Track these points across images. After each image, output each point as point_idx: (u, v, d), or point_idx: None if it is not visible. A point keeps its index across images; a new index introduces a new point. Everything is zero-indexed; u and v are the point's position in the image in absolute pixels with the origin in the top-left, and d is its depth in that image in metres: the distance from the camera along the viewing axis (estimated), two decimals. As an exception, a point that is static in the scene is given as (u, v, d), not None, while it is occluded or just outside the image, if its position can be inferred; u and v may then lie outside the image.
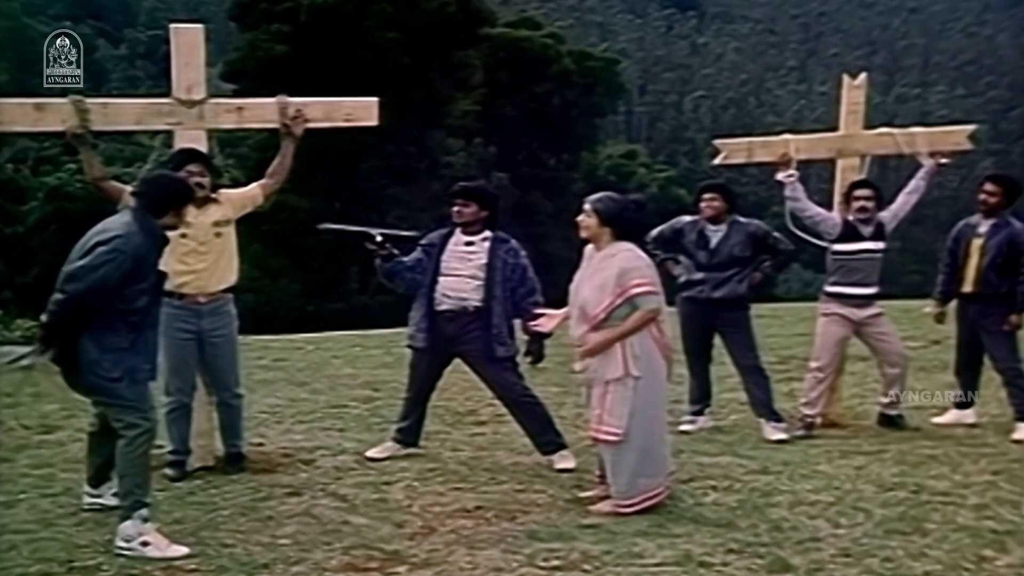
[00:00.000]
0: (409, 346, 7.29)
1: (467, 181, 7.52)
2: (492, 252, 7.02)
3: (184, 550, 5.30)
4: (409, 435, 7.37)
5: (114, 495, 5.97)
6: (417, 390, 7.36)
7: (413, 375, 7.35)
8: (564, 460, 6.99)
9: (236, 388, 7.02)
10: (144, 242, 5.39)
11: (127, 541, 5.31)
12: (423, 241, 7.18)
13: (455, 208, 7.10)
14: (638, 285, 5.85)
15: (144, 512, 5.39)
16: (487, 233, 7.08)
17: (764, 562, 5.13)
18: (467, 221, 7.07)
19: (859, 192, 8.02)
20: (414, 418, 7.38)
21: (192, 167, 6.68)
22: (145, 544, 5.30)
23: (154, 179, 5.89)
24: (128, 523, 5.34)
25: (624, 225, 6.02)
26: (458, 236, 7.08)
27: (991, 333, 8.16)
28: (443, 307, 6.99)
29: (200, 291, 6.74)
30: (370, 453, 7.29)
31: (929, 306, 8.74)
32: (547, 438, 7.10)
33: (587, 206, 6.07)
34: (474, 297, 6.95)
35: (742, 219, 8.17)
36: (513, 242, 7.17)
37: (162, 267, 6.71)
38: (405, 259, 7.11)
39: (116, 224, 5.44)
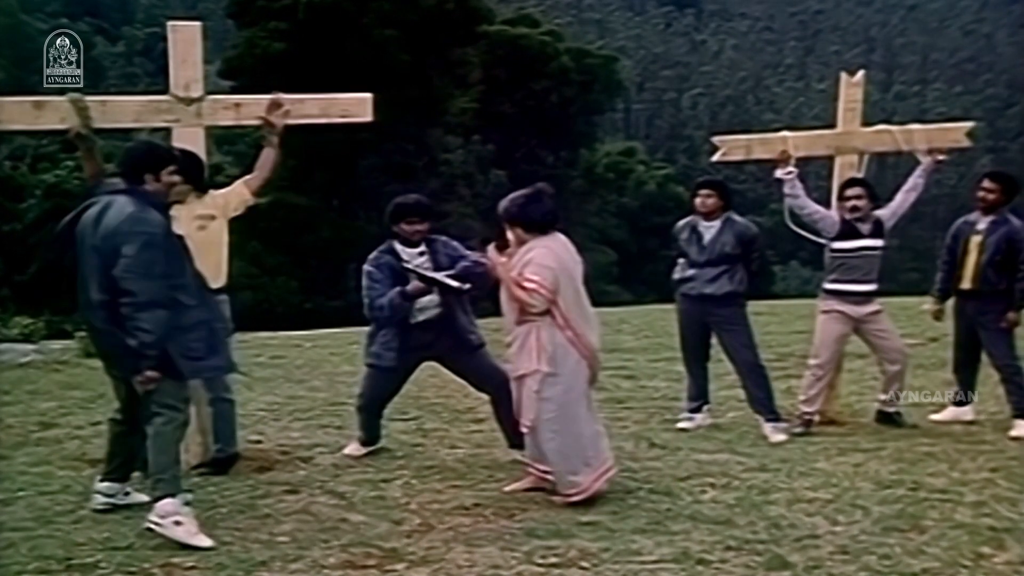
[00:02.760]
0: (373, 366, 7.17)
1: (410, 198, 7.35)
2: (435, 253, 7.05)
3: (209, 542, 5.34)
4: (374, 439, 7.45)
5: (126, 494, 5.97)
6: (378, 407, 7.38)
7: (373, 395, 7.31)
8: None
9: (226, 391, 6.90)
10: (159, 215, 5.48)
11: (162, 517, 5.35)
12: (376, 265, 7.03)
13: (416, 227, 7.01)
14: (528, 280, 5.95)
15: (188, 496, 5.50)
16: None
17: (762, 559, 5.13)
18: (426, 235, 7.08)
19: (850, 191, 8.02)
20: (374, 426, 7.44)
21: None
22: (178, 523, 5.34)
23: (125, 150, 5.89)
24: (170, 500, 5.38)
25: (524, 220, 6.13)
26: (404, 250, 7.01)
27: (989, 330, 8.16)
28: (420, 318, 6.97)
29: None
30: (348, 451, 7.32)
31: (927, 303, 8.74)
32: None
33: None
34: (438, 300, 6.96)
35: (736, 217, 8.18)
36: (443, 237, 7.22)
37: None
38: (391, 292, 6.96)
39: (120, 212, 5.42)
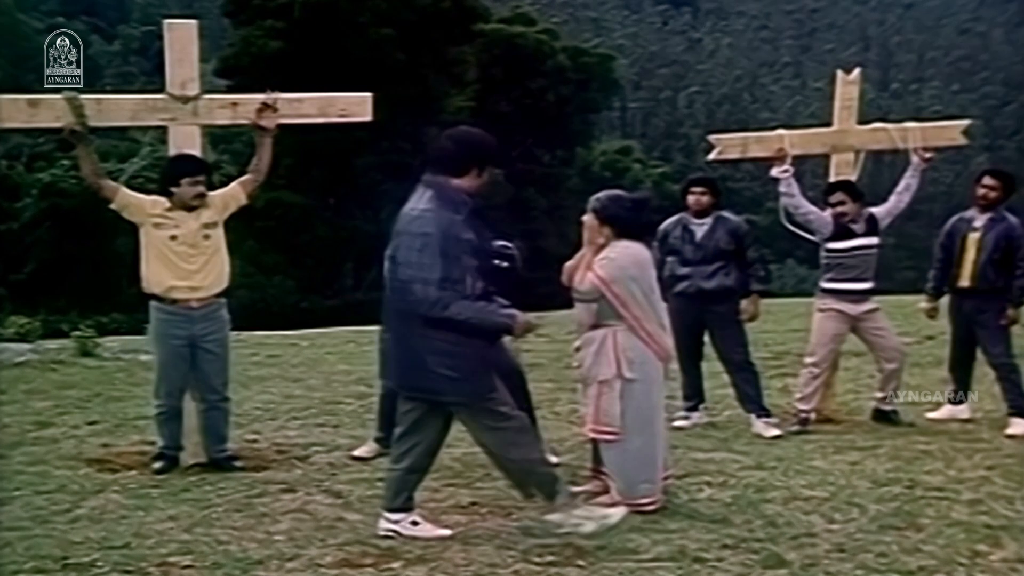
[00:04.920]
0: None
1: None
2: None
3: (447, 531, 5.44)
4: (391, 439, 7.37)
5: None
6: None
7: None
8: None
9: (224, 391, 7.01)
10: (449, 215, 5.19)
11: (395, 522, 5.44)
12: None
13: None
14: (591, 270, 5.86)
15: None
16: None
17: (759, 557, 5.13)
18: None
19: (833, 198, 8.03)
20: (394, 422, 7.38)
21: (200, 177, 6.74)
22: (415, 523, 5.45)
23: (448, 136, 5.62)
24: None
25: (622, 224, 6.00)
26: None
27: (987, 328, 8.16)
28: None
29: (192, 296, 6.73)
30: (357, 452, 7.27)
31: (923, 302, 8.74)
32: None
33: (588, 205, 6.09)
34: None
35: (728, 215, 8.19)
36: None
37: (150, 272, 6.75)
38: None
39: (418, 208, 5.26)
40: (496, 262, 6.78)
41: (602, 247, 6.00)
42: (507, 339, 7.03)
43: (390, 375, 5.58)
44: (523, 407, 7.08)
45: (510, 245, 7.04)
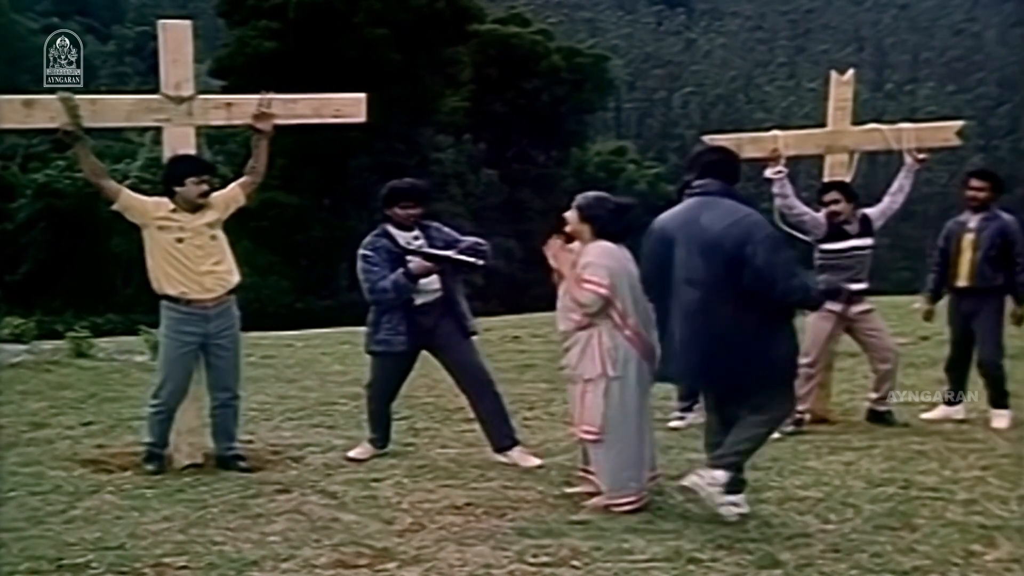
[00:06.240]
0: (383, 352, 7.15)
1: (404, 182, 7.35)
2: (430, 237, 7.06)
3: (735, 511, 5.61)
4: (385, 440, 7.40)
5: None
6: (390, 396, 7.36)
7: (387, 383, 7.29)
8: (525, 457, 7.03)
9: (235, 389, 7.03)
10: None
11: (710, 484, 5.55)
12: (373, 248, 7.04)
13: (410, 211, 7.03)
14: (587, 280, 5.89)
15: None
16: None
17: (753, 558, 5.13)
18: (419, 219, 7.09)
19: (827, 197, 8.05)
20: (386, 423, 7.41)
21: (205, 176, 6.80)
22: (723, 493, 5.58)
23: (717, 150, 6.44)
24: (728, 474, 5.59)
25: (602, 224, 6.06)
26: (399, 234, 7.03)
27: (983, 325, 8.17)
28: (419, 301, 6.98)
29: (208, 295, 6.73)
30: (352, 454, 7.26)
31: (918, 302, 8.75)
32: (506, 431, 7.14)
33: (574, 202, 6.17)
34: (437, 283, 6.98)
35: None
36: (435, 223, 7.22)
37: (160, 274, 6.76)
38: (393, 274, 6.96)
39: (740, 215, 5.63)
40: (472, 259, 6.86)
41: (565, 244, 6.11)
42: None
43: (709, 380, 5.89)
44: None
45: (483, 242, 7.10)
